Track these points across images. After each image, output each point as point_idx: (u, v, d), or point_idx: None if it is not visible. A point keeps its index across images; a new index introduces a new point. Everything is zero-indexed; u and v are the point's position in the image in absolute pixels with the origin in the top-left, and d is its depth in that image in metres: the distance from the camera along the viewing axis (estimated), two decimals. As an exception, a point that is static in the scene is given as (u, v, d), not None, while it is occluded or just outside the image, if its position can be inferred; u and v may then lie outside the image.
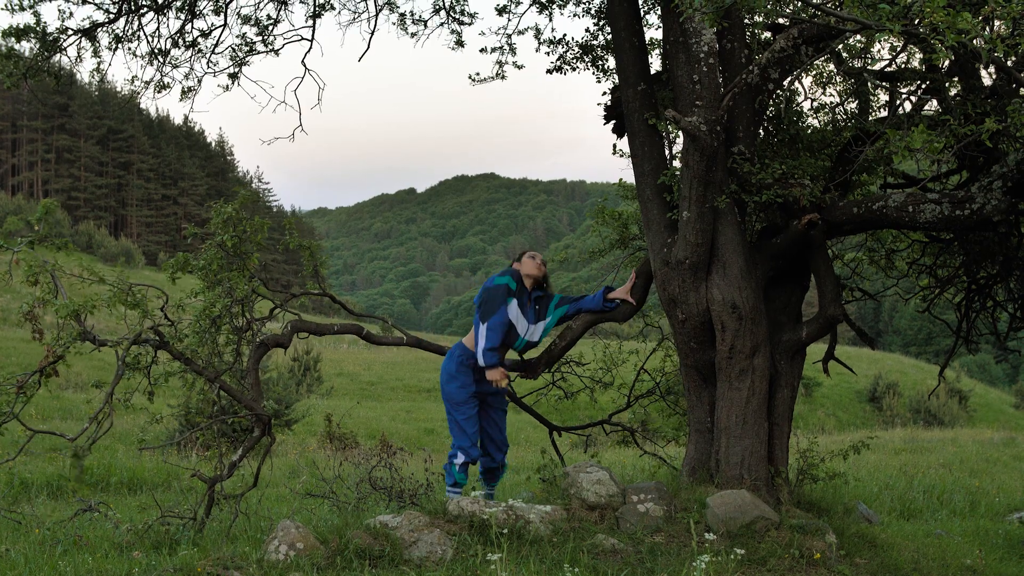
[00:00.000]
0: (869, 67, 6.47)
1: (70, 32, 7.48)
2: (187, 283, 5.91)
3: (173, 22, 8.95)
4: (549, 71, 7.76)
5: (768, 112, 6.50)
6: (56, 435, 5.69)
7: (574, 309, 6.20)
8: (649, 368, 7.95)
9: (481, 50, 8.14)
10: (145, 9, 7.84)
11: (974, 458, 14.80)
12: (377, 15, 8.24)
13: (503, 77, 8.21)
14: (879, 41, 5.00)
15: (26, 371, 5.45)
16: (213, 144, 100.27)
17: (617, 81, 6.49)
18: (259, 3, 8.09)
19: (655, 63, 6.70)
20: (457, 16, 8.24)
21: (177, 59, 8.17)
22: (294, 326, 6.05)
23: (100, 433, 5.50)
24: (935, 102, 6.42)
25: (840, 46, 6.29)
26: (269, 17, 8.12)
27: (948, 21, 3.78)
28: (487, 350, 5.73)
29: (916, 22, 4.10)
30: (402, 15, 8.27)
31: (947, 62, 6.09)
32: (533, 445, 17.72)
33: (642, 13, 6.85)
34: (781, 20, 6.27)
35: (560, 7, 7.89)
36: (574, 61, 7.69)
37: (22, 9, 7.18)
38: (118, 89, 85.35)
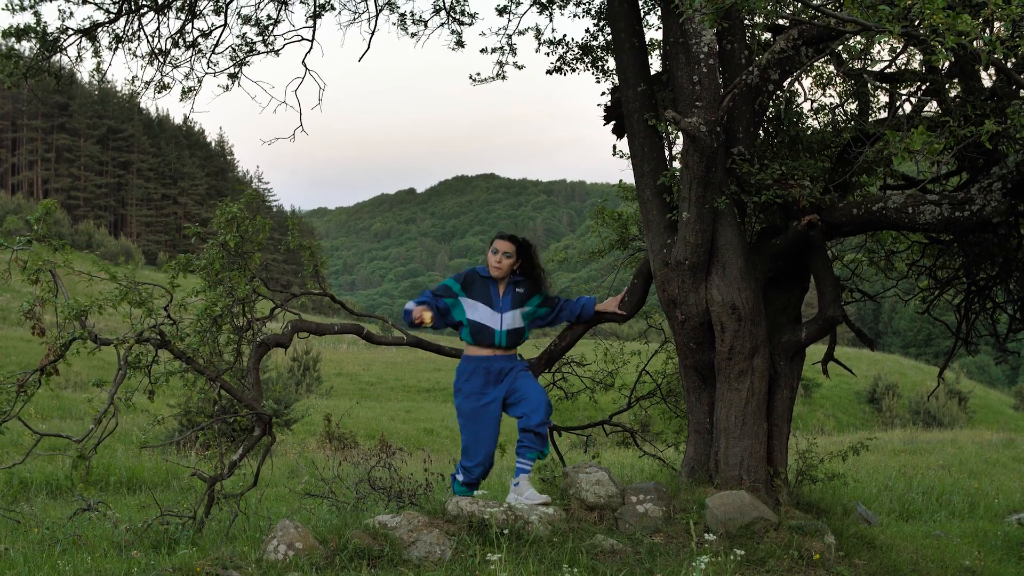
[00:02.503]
0: (869, 68, 6.48)
1: (70, 32, 7.48)
2: (187, 283, 5.91)
3: (173, 22, 8.95)
4: (549, 72, 7.75)
5: (768, 113, 6.50)
6: (61, 437, 5.70)
7: (552, 317, 5.99)
8: (651, 370, 7.94)
9: (482, 50, 8.15)
10: (145, 9, 7.84)
11: (973, 459, 14.81)
12: (377, 15, 8.25)
13: (503, 77, 8.20)
14: (879, 42, 5.01)
15: (26, 370, 5.45)
16: (213, 144, 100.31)
17: (617, 82, 6.49)
18: (259, 3, 8.09)
19: (655, 64, 6.71)
20: (457, 16, 8.24)
21: (177, 59, 8.16)
22: (295, 326, 6.05)
23: (105, 434, 5.50)
24: (935, 103, 6.42)
25: (840, 47, 6.29)
26: (269, 17, 8.12)
27: (948, 23, 3.78)
28: (406, 309, 5.71)
29: (916, 24, 4.11)
30: (402, 15, 8.26)
31: (947, 64, 6.09)
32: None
33: (642, 14, 6.85)
34: (781, 21, 6.27)
35: (560, 8, 7.89)
36: (574, 62, 7.68)
37: (23, 9, 7.19)
38: (118, 89, 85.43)
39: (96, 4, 7.51)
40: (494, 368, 5.73)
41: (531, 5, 7.93)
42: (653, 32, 10.42)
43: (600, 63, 7.59)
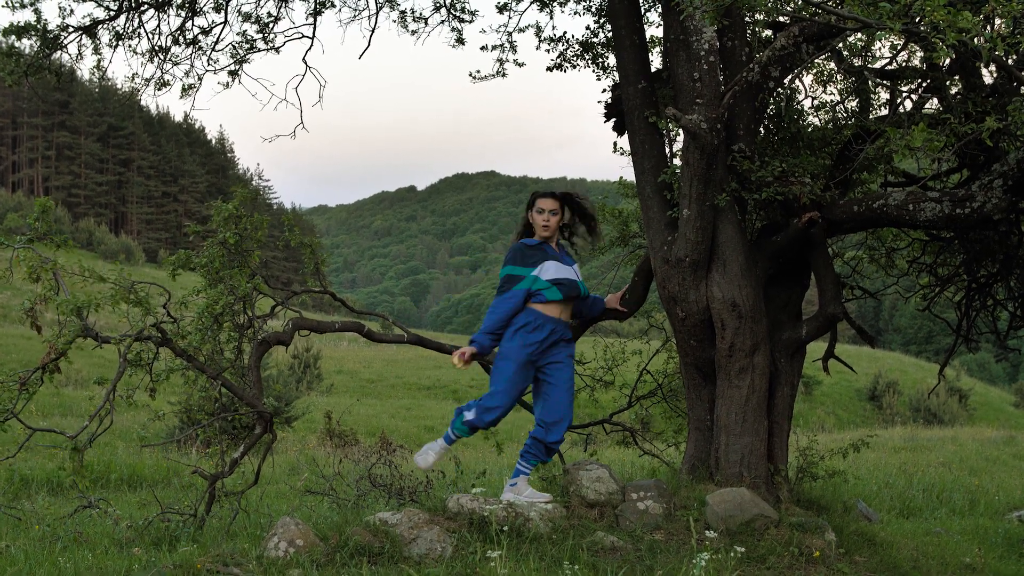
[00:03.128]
0: (870, 65, 6.47)
1: (71, 29, 7.49)
2: (187, 281, 5.92)
3: (173, 19, 8.94)
4: (549, 69, 7.75)
5: (768, 110, 6.49)
6: (56, 433, 5.71)
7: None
8: (652, 369, 7.93)
9: (482, 48, 8.14)
10: (146, 6, 7.84)
11: (974, 457, 14.83)
12: (378, 13, 8.25)
13: (504, 75, 8.20)
14: (880, 39, 4.99)
15: (27, 368, 5.45)
16: (213, 141, 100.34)
17: (617, 79, 6.49)
18: (259, 0, 8.09)
19: (656, 61, 6.70)
20: (457, 14, 8.24)
21: (177, 56, 8.17)
22: (295, 324, 6.05)
23: (101, 430, 5.50)
24: (936, 100, 6.42)
25: (841, 44, 6.28)
26: (270, 14, 8.12)
27: (949, 20, 3.78)
28: (483, 332, 5.35)
29: (917, 20, 4.10)
30: (402, 13, 8.26)
31: (948, 60, 6.08)
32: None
33: (643, 11, 6.84)
34: (782, 18, 6.26)
35: (561, 5, 7.88)
36: (574, 59, 7.68)
37: (23, 7, 7.19)
38: (119, 86, 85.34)
39: (96, 1, 7.52)
40: (559, 330, 5.48)
41: (531, 2, 7.93)
42: (653, 29, 10.38)
43: (600, 60, 7.59)
